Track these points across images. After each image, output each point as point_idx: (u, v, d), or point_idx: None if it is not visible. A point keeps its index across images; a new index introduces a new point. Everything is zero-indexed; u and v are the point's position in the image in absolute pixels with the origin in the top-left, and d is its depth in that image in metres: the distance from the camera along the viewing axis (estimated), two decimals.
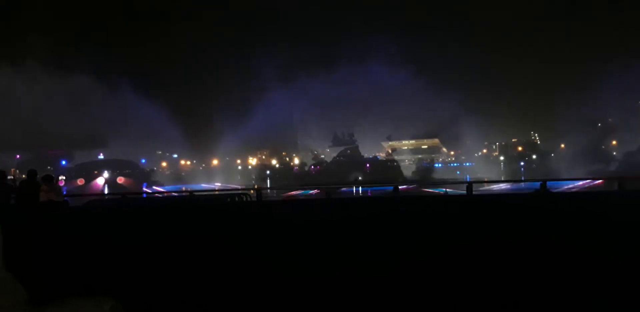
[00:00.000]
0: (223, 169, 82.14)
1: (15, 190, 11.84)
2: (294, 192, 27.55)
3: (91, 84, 61.19)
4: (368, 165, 66.36)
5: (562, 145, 69.42)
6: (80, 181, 52.31)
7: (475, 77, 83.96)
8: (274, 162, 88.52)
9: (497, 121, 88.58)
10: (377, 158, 77.49)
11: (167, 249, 6.32)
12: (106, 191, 43.46)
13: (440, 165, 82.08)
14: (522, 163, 70.98)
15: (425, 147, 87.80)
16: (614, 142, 63.99)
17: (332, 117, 77.09)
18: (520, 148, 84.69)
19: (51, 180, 12.33)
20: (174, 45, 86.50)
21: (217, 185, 47.97)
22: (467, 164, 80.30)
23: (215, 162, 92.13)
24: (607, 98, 56.98)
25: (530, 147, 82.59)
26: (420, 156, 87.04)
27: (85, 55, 65.04)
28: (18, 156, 62.74)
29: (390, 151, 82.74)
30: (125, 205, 13.47)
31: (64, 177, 48.79)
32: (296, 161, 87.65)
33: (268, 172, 71.21)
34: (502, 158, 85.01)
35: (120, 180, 55.46)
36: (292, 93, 70.95)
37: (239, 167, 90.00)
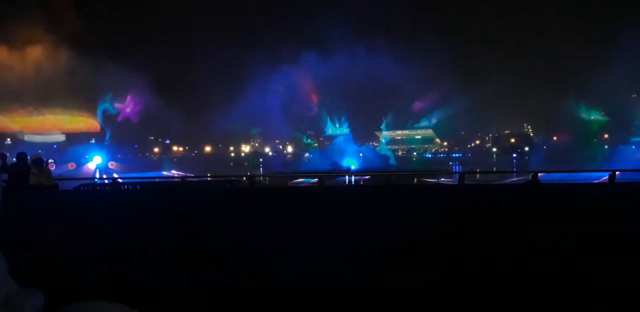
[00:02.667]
0: (215, 157, 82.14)
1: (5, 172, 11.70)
2: (297, 181, 27.39)
3: (80, 63, 60.41)
4: (362, 154, 66.38)
5: (555, 138, 69.80)
6: (71, 165, 51.91)
7: (469, 67, 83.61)
8: (267, 149, 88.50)
9: (491, 113, 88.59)
10: (371, 147, 77.55)
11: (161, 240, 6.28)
12: (97, 176, 43.28)
13: (431, 155, 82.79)
14: (514, 155, 71.34)
15: (419, 137, 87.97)
16: (606, 136, 64.38)
17: (327, 106, 76.89)
18: (513, 140, 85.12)
19: (41, 163, 12.21)
20: (166, 26, 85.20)
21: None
22: (456, 155, 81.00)
23: (208, 149, 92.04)
24: (602, 91, 57.24)
25: (524, 139, 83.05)
26: (413, 146, 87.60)
27: (76, 35, 64.05)
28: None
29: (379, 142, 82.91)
30: (116, 189, 13.40)
31: (54, 161, 48.34)
32: (289, 149, 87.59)
33: (261, 160, 71.07)
34: (494, 149, 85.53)
35: (112, 165, 55.19)
36: (287, 80, 70.57)
37: (232, 155, 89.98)
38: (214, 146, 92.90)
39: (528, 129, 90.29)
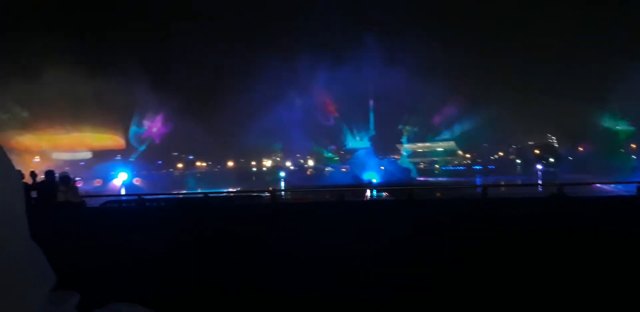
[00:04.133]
0: (238, 171, 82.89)
1: (35, 190, 12.01)
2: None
3: (106, 84, 62.25)
4: (383, 167, 66.18)
5: (580, 148, 68.45)
6: (98, 182, 53.07)
7: (492, 77, 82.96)
8: (288, 164, 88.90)
9: (514, 123, 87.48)
10: (392, 160, 77.29)
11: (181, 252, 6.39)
12: (123, 192, 44.08)
13: (449, 168, 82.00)
14: (539, 166, 70.11)
15: (441, 149, 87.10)
16: (633, 146, 62.89)
17: (348, 119, 77.29)
18: (537, 151, 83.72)
19: (68, 181, 12.53)
20: (186, 42, 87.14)
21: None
22: (477, 167, 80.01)
23: (230, 164, 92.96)
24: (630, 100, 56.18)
25: (548, 149, 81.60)
26: (435, 159, 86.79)
27: (99, 56, 66.15)
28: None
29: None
30: (141, 206, 13.67)
31: (81, 178, 49.48)
32: (310, 162, 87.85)
33: (282, 174, 71.33)
34: (518, 161, 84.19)
35: (137, 181, 56.21)
36: (308, 95, 71.31)
37: (254, 169, 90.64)
38: (236, 161, 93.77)
39: (552, 139, 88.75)
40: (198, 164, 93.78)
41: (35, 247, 0.49)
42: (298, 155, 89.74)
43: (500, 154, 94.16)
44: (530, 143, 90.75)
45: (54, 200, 11.84)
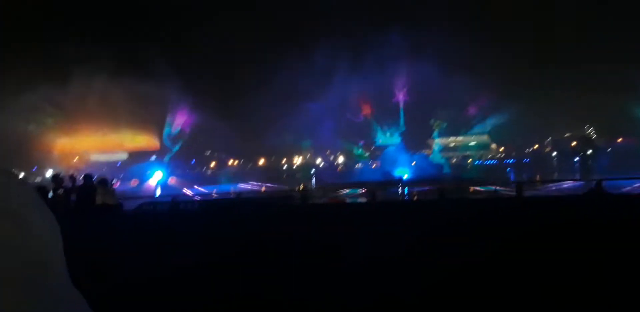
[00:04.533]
0: (269, 169, 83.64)
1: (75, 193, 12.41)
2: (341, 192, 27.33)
3: (139, 87, 63.68)
4: (414, 163, 65.53)
5: (620, 140, 66.05)
6: (134, 182, 54.51)
7: (527, 67, 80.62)
8: (318, 161, 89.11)
9: (550, 116, 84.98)
10: (424, 155, 76.37)
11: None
12: (158, 192, 45.14)
13: (481, 162, 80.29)
14: (576, 159, 68.04)
15: (474, 143, 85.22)
16: None
17: (378, 115, 76.86)
18: (574, 143, 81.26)
19: (106, 183, 12.93)
20: (216, 41, 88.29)
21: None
22: (510, 160, 78.14)
23: (261, 161, 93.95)
24: None
25: (585, 142, 78.96)
26: (468, 153, 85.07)
27: (130, 54, 67.68)
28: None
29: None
30: (175, 207, 14.00)
31: (118, 178, 50.96)
32: (340, 159, 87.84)
33: (313, 170, 71.55)
34: (554, 154, 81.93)
35: (172, 180, 57.41)
36: (337, 90, 71.16)
37: (285, 167, 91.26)
38: (267, 159, 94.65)
39: (590, 131, 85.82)
40: (230, 162, 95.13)
41: (76, 293, 0.50)
42: (328, 152, 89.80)
43: (536, 147, 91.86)
44: (567, 135, 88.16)
45: (92, 203, 12.24)
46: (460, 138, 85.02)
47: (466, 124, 79.94)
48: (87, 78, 62.91)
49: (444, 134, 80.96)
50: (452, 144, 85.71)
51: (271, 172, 74.74)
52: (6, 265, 0.34)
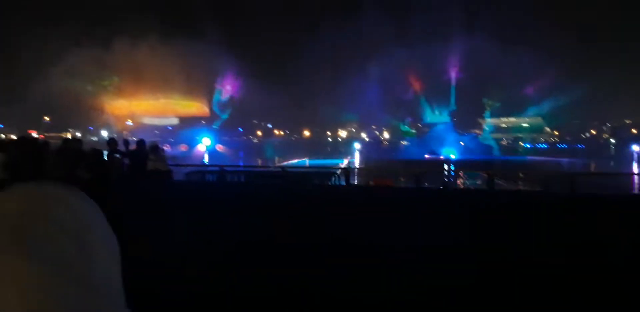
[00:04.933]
0: (314, 140, 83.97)
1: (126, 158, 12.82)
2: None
3: (192, 54, 64.75)
4: (462, 143, 64.04)
5: None
6: (184, 147, 56.14)
7: (587, 49, 75.92)
8: (363, 135, 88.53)
9: (610, 100, 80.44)
10: (473, 136, 74.34)
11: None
12: (207, 158, 46.41)
13: (545, 146, 76.88)
14: (635, 148, 64.44)
15: (527, 125, 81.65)
16: None
17: (428, 92, 75.10)
18: (634, 130, 76.92)
19: (158, 149, 13.30)
20: (268, 12, 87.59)
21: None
22: (562, 145, 74.51)
23: (307, 133, 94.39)
24: None
25: None
26: (520, 135, 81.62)
27: (184, 22, 68.50)
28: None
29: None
30: (222, 179, 14.26)
31: (169, 144, 52.60)
32: (386, 134, 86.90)
33: (357, 145, 71.53)
34: (612, 141, 77.92)
35: (220, 148, 58.83)
36: (388, 66, 69.81)
37: (329, 140, 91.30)
38: (312, 130, 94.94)
39: None
40: (276, 132, 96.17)
41: None
42: (374, 127, 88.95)
43: (593, 132, 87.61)
44: (627, 121, 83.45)
45: (144, 168, 12.64)
46: (512, 119, 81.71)
47: (520, 105, 76.79)
48: (142, 44, 64.45)
49: (496, 114, 78.25)
50: (503, 125, 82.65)
51: (315, 145, 74.98)
52: (64, 288, 0.35)
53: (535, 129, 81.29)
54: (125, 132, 58.69)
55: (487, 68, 65.94)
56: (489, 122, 77.57)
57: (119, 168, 12.23)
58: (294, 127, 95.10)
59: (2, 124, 66.13)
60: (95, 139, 62.86)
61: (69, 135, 60.71)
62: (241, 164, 35.03)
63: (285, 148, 64.38)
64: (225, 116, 73.22)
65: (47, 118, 70.61)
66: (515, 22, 66.53)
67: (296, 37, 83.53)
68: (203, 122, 72.46)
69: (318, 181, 14.03)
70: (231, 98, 73.28)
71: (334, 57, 73.97)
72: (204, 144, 56.80)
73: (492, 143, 70.39)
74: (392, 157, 50.76)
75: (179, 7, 75.46)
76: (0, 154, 7.08)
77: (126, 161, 13.30)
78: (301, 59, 71.56)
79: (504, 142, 77.38)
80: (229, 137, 74.96)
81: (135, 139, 14.08)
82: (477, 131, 78.16)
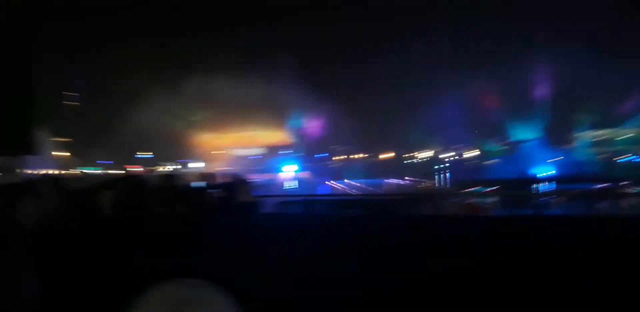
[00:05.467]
0: (395, 163, 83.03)
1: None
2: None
3: (270, 86, 67.99)
4: (555, 160, 60.38)
5: None
6: (270, 176, 58.44)
7: None
8: (446, 155, 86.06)
9: None
10: (566, 151, 69.90)
11: None
12: (293, 185, 47.86)
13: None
14: None
15: (624, 138, 74.75)
16: None
17: (513, 108, 72.21)
18: None
19: (245, 182, 14.04)
20: (346, 43, 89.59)
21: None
22: None
23: (386, 155, 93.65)
24: None
25: None
26: (618, 148, 74.89)
27: (259, 56, 71.85)
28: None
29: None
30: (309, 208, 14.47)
31: (256, 172, 54.92)
32: (470, 154, 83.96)
33: (440, 166, 69.60)
34: None
35: (305, 174, 60.60)
36: (468, 83, 68.39)
37: (412, 161, 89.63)
38: (392, 152, 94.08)
39: None
40: (355, 156, 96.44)
41: None
42: (457, 147, 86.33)
43: None
44: None
45: (234, 200, 13.37)
46: (609, 131, 75.40)
47: (616, 117, 70.83)
48: (223, 80, 68.46)
49: (590, 127, 72.89)
50: (599, 139, 76.47)
51: (393, 166, 74.55)
52: None
53: (634, 142, 74.13)
54: (217, 167, 62.04)
55: (577, 80, 62.16)
56: (582, 136, 72.55)
57: (215, 203, 13.05)
58: (373, 150, 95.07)
59: (109, 160, 71.01)
60: (186, 170, 67.09)
61: (162, 168, 65.36)
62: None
63: (366, 171, 64.43)
64: (305, 143, 75.35)
65: (141, 153, 76.15)
66: (607, 28, 62.51)
67: (374, 61, 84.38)
68: (287, 150, 74.99)
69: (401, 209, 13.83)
70: (311, 125, 75.44)
71: (412, 81, 73.84)
72: (288, 171, 58.74)
73: (589, 158, 65.58)
74: (476, 176, 48.77)
75: (251, 41, 79.40)
76: (109, 191, 7.96)
77: (218, 194, 14.16)
78: (381, 83, 72.19)
79: (600, 157, 71.29)
80: (313, 164, 76.56)
81: (224, 170, 15.00)
82: (570, 146, 73.24)
